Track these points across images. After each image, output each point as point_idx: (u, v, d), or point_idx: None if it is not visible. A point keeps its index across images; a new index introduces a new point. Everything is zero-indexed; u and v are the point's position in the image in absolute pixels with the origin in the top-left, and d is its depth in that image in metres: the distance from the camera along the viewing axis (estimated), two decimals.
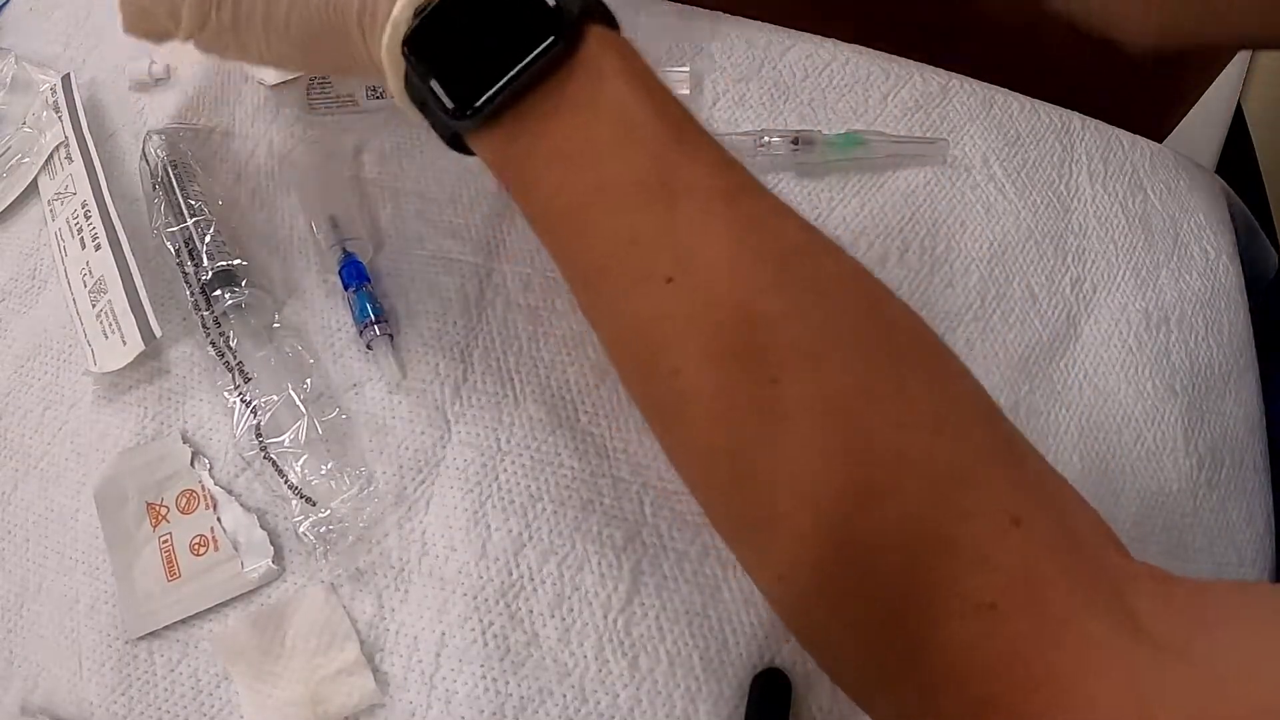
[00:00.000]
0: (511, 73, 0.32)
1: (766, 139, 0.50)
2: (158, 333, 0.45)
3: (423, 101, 0.35)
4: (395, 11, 0.33)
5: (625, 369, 0.34)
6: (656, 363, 0.31)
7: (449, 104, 0.33)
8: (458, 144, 0.37)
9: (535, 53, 0.32)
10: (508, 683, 0.39)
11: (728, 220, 0.31)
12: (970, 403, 0.32)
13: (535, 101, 0.33)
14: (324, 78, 0.52)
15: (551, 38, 0.32)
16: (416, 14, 0.33)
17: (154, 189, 0.49)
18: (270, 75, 0.53)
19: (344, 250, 0.47)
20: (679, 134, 0.33)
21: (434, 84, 0.33)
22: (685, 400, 0.31)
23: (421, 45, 0.34)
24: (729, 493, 0.31)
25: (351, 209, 0.49)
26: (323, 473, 0.42)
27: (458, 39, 0.33)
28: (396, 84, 0.35)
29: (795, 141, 0.50)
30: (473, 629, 0.40)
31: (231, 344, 0.45)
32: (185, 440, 0.44)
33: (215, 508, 0.43)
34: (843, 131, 0.51)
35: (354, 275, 0.47)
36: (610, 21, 0.34)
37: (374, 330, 0.45)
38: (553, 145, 0.33)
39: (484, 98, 0.33)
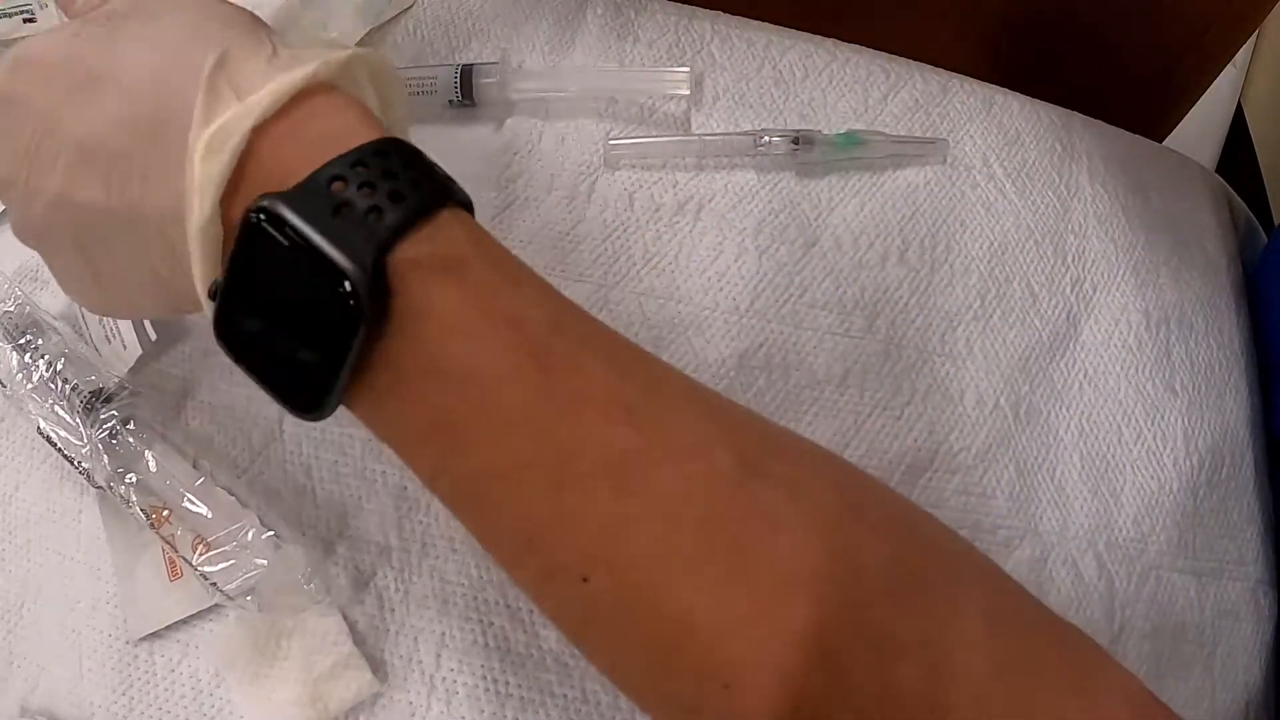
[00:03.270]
0: (329, 379, 0.28)
1: (766, 139, 0.50)
2: (153, 336, 0.45)
3: None
4: (198, 287, 0.29)
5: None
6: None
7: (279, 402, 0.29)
8: None
9: (344, 351, 0.27)
10: (509, 682, 0.40)
11: (632, 498, 0.27)
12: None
13: (371, 379, 0.28)
14: None
15: (354, 322, 0.26)
16: (211, 295, 0.29)
17: None
18: None
19: None
20: (546, 374, 0.27)
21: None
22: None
23: (230, 334, 0.29)
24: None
25: None
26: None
27: (256, 324, 0.29)
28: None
29: (795, 141, 0.50)
30: (473, 628, 0.40)
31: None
32: (186, 441, 0.44)
33: (216, 509, 0.43)
34: (843, 131, 0.51)
35: None
36: (422, 215, 0.27)
37: None
38: (412, 426, 0.29)
39: (306, 403, 0.29)
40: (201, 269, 0.29)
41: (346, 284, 0.26)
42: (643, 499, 0.27)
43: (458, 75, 0.51)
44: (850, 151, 0.51)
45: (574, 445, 0.27)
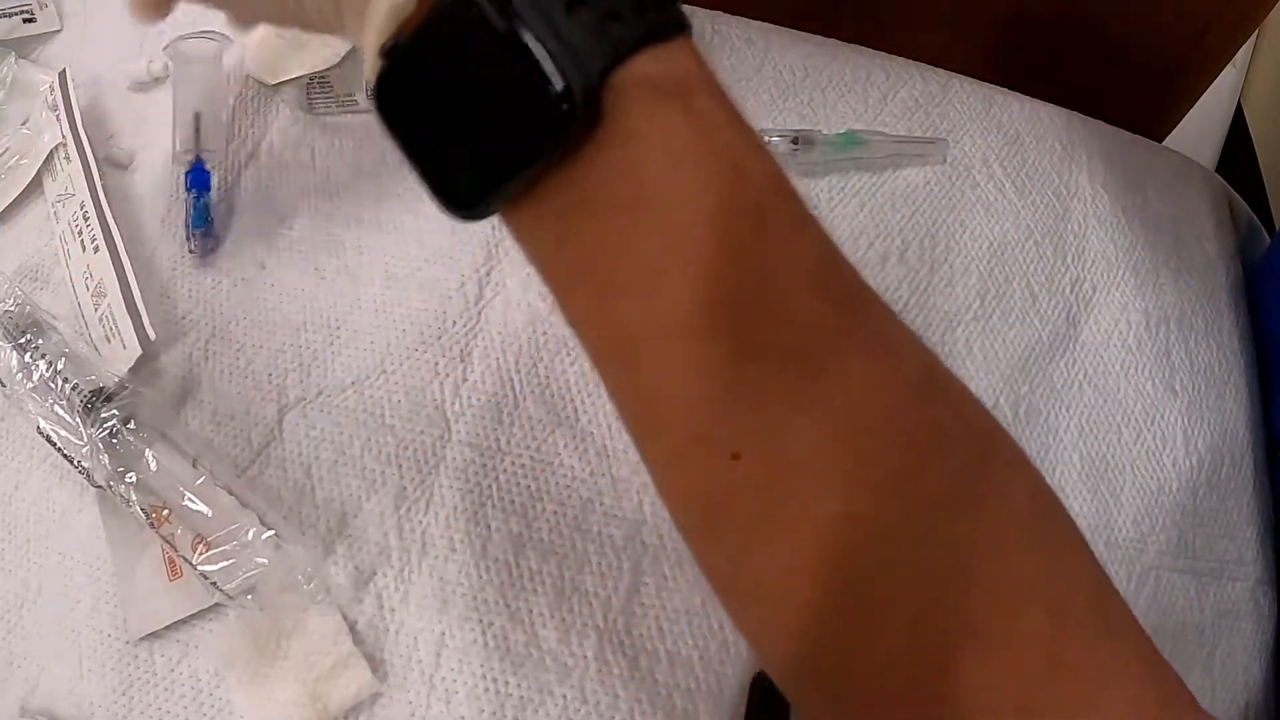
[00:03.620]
0: (504, 179, 0.25)
1: (766, 139, 0.50)
2: (152, 335, 0.45)
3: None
4: (368, 43, 0.26)
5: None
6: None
7: (432, 193, 0.26)
8: None
9: (533, 157, 0.24)
10: (508, 682, 0.40)
11: (815, 400, 0.24)
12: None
13: (550, 193, 0.25)
14: (323, 78, 0.52)
15: (558, 130, 0.24)
16: (384, 53, 0.25)
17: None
18: (270, 74, 0.53)
19: (197, 156, 0.49)
20: (759, 230, 0.25)
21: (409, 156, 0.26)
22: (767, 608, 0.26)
23: (393, 102, 0.26)
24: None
25: (218, 118, 0.50)
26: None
27: (430, 100, 0.25)
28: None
29: (795, 141, 0.50)
30: (473, 628, 0.40)
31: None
32: (186, 441, 0.44)
33: (216, 508, 0.43)
34: (843, 131, 0.51)
35: (198, 181, 0.48)
36: (656, 37, 0.25)
37: (196, 240, 0.48)
38: (581, 254, 0.26)
39: (463, 200, 0.26)
40: (377, 36, 0.25)
41: (562, 87, 0.23)
42: (825, 385, 0.24)
43: None
44: (850, 151, 0.51)
45: (767, 314, 0.24)
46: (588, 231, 0.25)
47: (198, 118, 0.48)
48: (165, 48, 0.51)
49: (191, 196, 0.48)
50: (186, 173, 0.48)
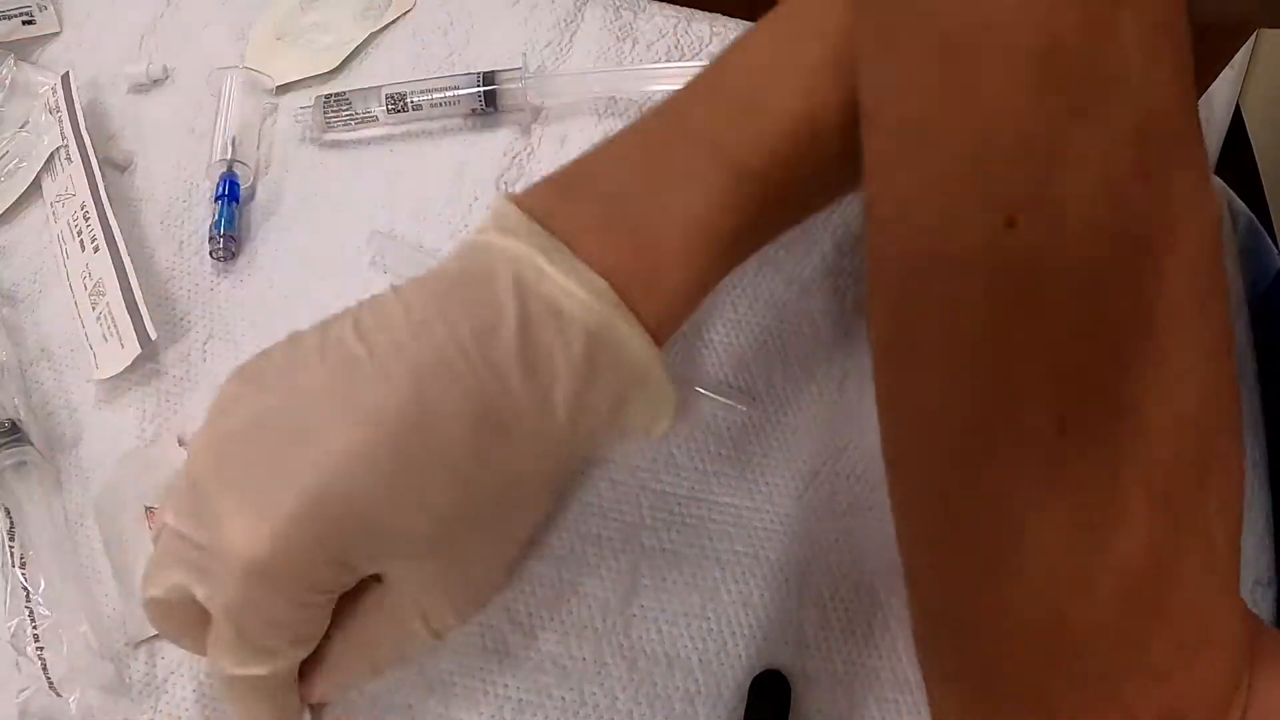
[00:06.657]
0: None
1: None
2: (153, 335, 0.45)
3: None
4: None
5: None
6: None
7: None
8: None
9: None
10: (506, 684, 0.39)
11: None
12: None
13: None
14: (341, 96, 0.51)
15: None
16: None
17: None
18: (271, 76, 0.53)
19: (229, 166, 0.50)
20: None
21: None
22: None
23: None
24: None
25: (252, 142, 0.52)
26: None
27: None
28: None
29: None
30: (471, 630, 0.40)
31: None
32: (181, 443, 0.44)
33: None
34: None
35: (229, 190, 0.50)
36: None
37: (220, 242, 0.49)
38: None
39: None
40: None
41: None
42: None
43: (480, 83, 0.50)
44: None
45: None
46: None
47: (235, 138, 0.51)
48: (209, 77, 0.54)
49: (221, 204, 0.49)
50: (220, 180, 0.50)
